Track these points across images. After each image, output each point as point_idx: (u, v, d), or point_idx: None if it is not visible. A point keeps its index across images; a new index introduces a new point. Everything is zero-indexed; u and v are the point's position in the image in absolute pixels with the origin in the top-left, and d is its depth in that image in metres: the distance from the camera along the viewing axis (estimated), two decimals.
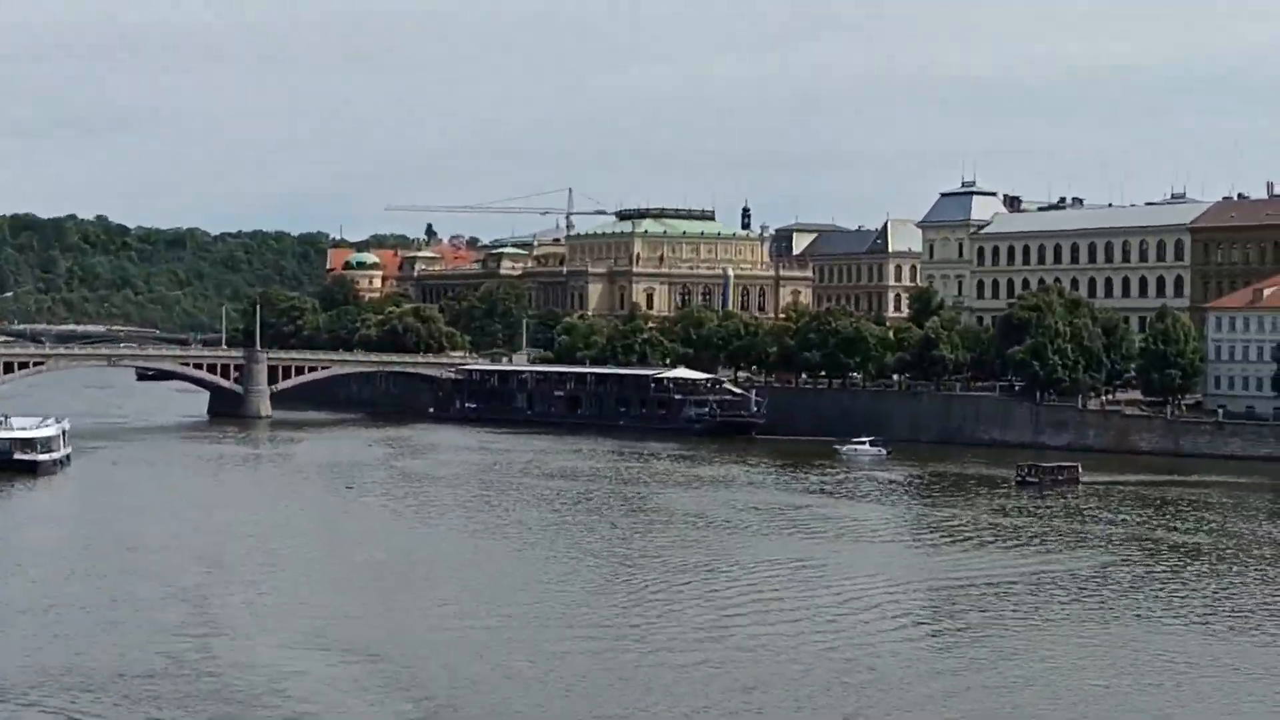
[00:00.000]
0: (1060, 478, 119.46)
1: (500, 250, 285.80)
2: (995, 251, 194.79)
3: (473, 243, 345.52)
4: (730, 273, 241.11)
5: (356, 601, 73.63)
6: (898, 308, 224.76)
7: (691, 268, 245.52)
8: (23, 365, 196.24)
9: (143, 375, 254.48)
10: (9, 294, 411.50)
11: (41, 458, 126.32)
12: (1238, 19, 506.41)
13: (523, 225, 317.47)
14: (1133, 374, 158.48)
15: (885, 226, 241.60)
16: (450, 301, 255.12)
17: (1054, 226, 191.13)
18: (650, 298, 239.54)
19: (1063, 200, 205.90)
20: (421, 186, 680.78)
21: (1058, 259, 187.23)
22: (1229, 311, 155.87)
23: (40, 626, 66.23)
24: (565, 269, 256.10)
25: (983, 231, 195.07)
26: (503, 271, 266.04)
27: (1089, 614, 70.92)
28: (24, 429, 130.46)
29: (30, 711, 52.44)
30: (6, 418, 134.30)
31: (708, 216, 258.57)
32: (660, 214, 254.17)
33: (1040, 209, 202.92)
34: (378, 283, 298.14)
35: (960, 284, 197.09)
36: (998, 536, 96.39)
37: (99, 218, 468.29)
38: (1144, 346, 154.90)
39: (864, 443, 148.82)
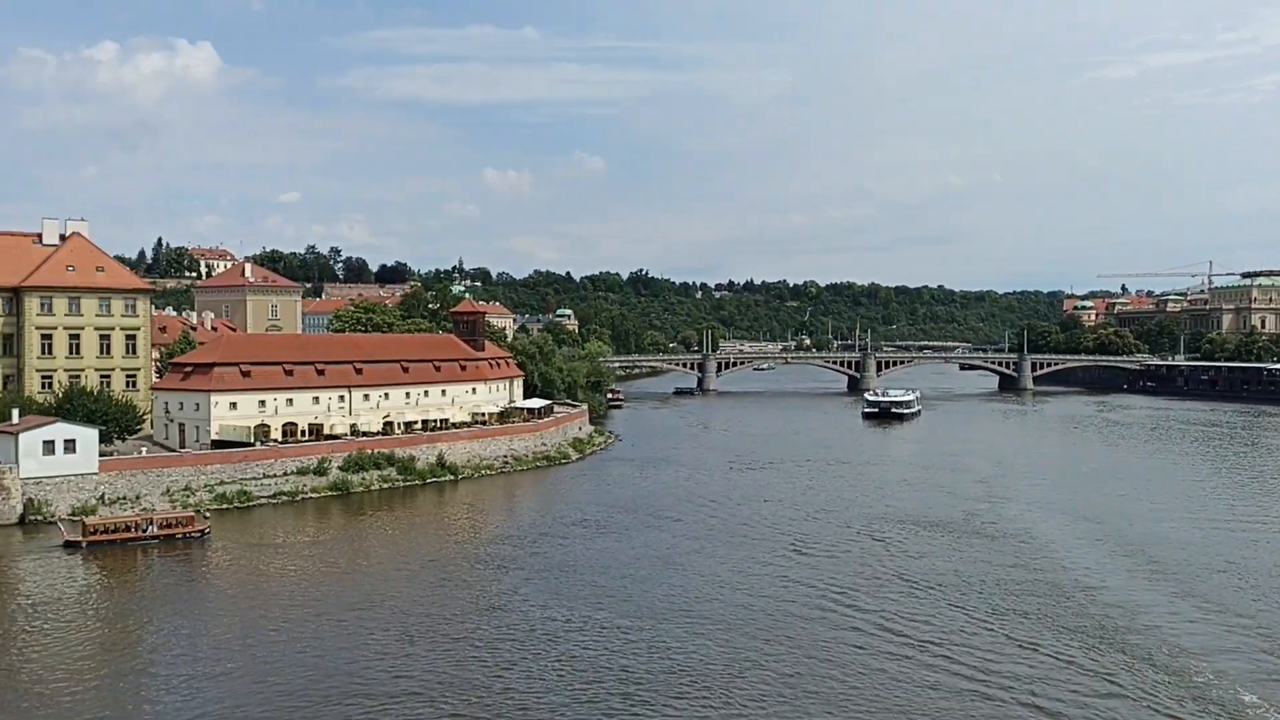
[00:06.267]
0: None
1: (1167, 297, 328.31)
2: None
3: (1149, 293, 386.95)
4: None
5: (1082, 489, 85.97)
6: None
7: None
8: (900, 363, 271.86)
9: (963, 367, 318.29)
10: (894, 326, 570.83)
11: (906, 412, 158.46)
12: None
13: (1180, 282, 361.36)
14: None
15: None
16: (1136, 326, 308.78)
17: None
18: (1262, 322, 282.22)
19: None
20: (1120, 260, 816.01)
21: None
22: None
23: (810, 492, 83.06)
24: (1208, 307, 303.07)
25: None
26: (1169, 309, 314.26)
27: None
28: (897, 395, 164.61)
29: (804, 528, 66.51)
30: (888, 390, 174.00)
31: None
32: (1270, 274, 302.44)
33: None
34: (1093, 316, 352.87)
35: None
36: None
37: (939, 286, 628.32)
38: None
39: None
